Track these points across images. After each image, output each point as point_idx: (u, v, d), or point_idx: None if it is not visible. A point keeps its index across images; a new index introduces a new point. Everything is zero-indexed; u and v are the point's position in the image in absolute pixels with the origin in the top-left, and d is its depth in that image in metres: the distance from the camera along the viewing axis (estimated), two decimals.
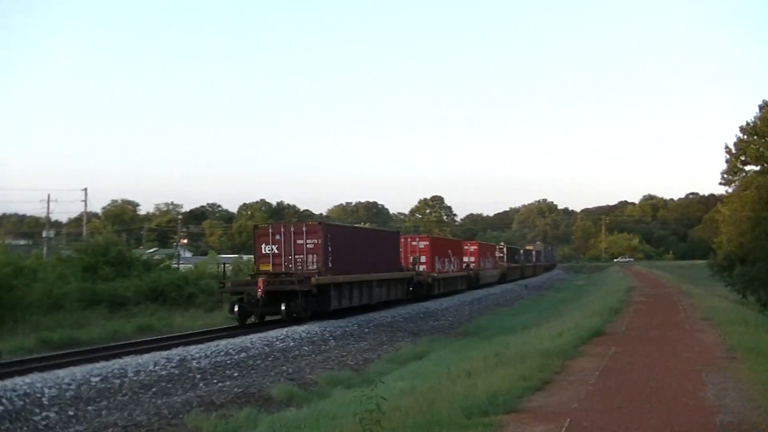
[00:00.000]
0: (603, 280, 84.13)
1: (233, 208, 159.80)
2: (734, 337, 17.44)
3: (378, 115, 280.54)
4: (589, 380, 12.54)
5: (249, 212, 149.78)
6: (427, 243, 48.37)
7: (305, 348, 25.89)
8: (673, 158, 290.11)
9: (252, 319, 30.28)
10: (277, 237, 30.91)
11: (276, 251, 30.78)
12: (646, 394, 11.28)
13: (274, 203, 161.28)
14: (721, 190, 73.46)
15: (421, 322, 37.12)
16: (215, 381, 19.82)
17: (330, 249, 31.09)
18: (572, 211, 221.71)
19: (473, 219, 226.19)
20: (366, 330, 31.28)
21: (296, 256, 30.47)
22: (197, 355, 21.43)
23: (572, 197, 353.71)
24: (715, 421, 9.11)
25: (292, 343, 25.95)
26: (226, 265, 55.28)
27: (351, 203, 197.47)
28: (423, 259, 46.81)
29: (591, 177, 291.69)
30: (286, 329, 27.85)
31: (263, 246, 31.21)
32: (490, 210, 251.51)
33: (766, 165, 63.66)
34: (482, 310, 46.23)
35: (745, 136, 65.24)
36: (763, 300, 48.07)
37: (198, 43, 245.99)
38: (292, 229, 31.15)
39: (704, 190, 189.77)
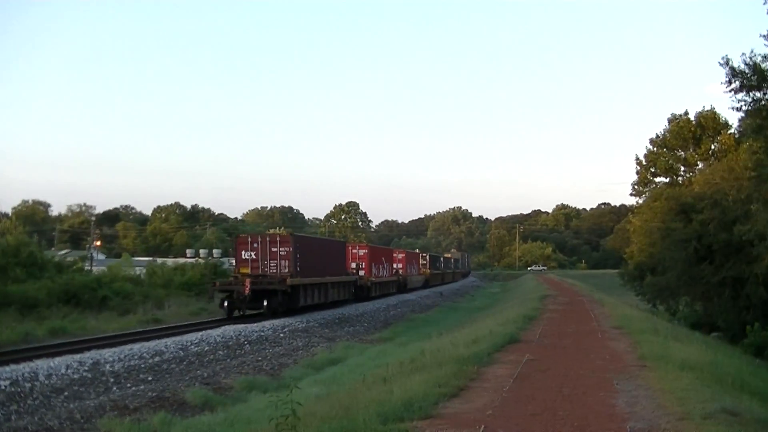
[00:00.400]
0: (517, 288, 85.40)
1: (147, 211, 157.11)
2: (645, 346, 17.86)
3: (293, 119, 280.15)
4: (503, 387, 12.66)
5: (163, 215, 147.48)
6: (366, 251, 55.16)
7: (220, 352, 25.68)
8: (585, 169, 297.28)
9: (238, 313, 35.78)
10: (255, 245, 36.85)
11: (254, 257, 36.60)
12: (559, 401, 11.45)
13: (188, 206, 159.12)
14: (632, 201, 75.52)
15: (337, 327, 37.17)
16: (129, 385, 19.48)
17: (298, 256, 37.21)
18: (487, 219, 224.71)
19: (388, 225, 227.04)
20: (281, 335, 31.20)
21: (270, 262, 36.56)
22: (111, 359, 21.07)
23: (487, 205, 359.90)
24: (626, 428, 9.28)
25: (207, 348, 25.72)
26: (139, 268, 54.60)
27: (267, 208, 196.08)
28: (363, 265, 53.41)
29: (506, 186, 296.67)
30: (201, 333, 28.24)
31: (243, 252, 37.14)
32: (405, 217, 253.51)
33: (675, 177, 65.71)
34: (398, 316, 46.50)
35: (655, 149, 67.25)
36: (672, 309, 49.52)
37: (111, 41, 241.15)
38: (267, 239, 37.55)
39: (616, 201, 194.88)
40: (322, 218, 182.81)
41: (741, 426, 9.09)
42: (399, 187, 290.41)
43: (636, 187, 69.56)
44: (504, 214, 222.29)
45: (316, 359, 26.36)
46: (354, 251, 54.09)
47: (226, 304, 35.50)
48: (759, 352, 31.58)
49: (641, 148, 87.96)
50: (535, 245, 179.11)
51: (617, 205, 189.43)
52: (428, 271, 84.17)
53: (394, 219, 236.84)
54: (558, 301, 42.89)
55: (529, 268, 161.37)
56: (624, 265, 65.64)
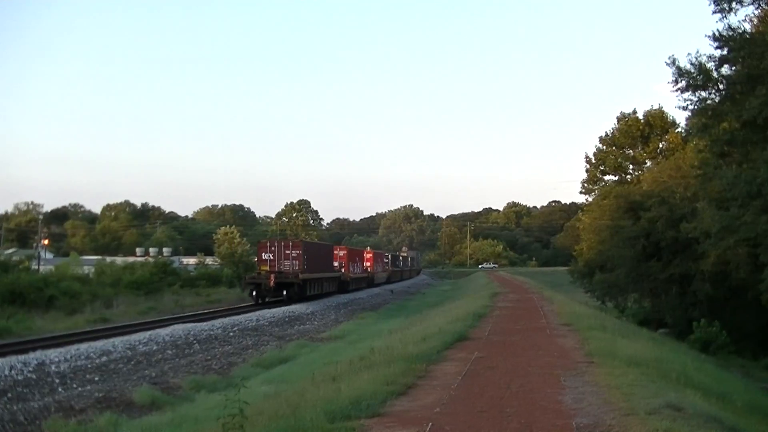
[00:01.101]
0: (468, 285, 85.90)
1: (97, 209, 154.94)
2: (593, 342, 18.06)
3: (244, 117, 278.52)
4: (452, 385, 12.72)
5: (113, 213, 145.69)
6: (345, 252, 68.27)
7: (169, 351, 25.55)
8: (536, 167, 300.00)
9: (262, 300, 46.72)
10: (272, 248, 48.98)
11: (272, 257, 48.28)
12: (507, 398, 11.53)
13: (138, 204, 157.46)
14: (582, 199, 76.37)
15: (288, 326, 37.23)
16: (75, 386, 19.29)
17: (305, 257, 49.12)
18: (438, 217, 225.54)
19: (340, 224, 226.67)
20: (231, 334, 31.13)
21: (285, 261, 48.23)
22: (56, 359, 20.83)
23: (438, 203, 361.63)
24: (572, 425, 9.38)
25: (155, 347, 25.57)
26: (88, 267, 53.87)
27: (218, 206, 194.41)
28: (343, 264, 65.34)
29: (457, 184, 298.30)
30: (150, 332, 28.23)
31: (263, 254, 49.17)
32: (356, 215, 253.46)
33: (624, 175, 66.57)
34: (348, 314, 46.51)
35: (604, 147, 68.09)
36: (621, 306, 50.12)
37: (58, 32, 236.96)
38: (282, 243, 50.47)
39: (566, 199, 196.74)
40: (273, 216, 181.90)
41: (684, 420, 9.23)
42: (350, 186, 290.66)
43: (586, 185, 70.42)
44: (455, 212, 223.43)
45: (265, 358, 26.43)
46: (335, 252, 65.14)
47: (254, 293, 47.28)
48: (705, 347, 32.20)
49: (591, 146, 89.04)
50: (486, 243, 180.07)
51: (567, 203, 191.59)
52: (390, 269, 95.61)
53: (346, 217, 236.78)
54: (508, 299, 43.21)
55: (480, 266, 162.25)
56: (574, 262, 66.27)
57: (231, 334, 31.39)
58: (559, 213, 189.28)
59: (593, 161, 68.78)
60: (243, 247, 78.52)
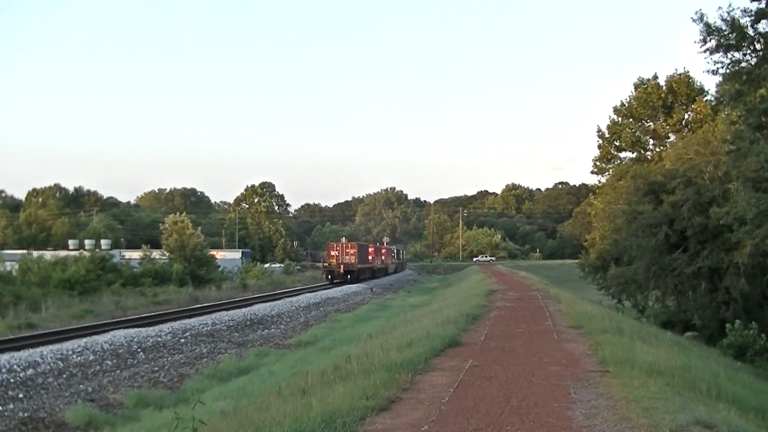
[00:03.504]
0: (460, 281, 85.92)
1: (21, 195, 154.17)
2: (607, 348, 18.02)
3: (197, 89, 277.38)
4: (442, 398, 12.64)
5: (40, 199, 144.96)
6: (373, 248, 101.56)
7: (108, 362, 25.39)
8: (539, 143, 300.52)
9: (333, 282, 79.86)
10: (337, 247, 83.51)
11: (337, 254, 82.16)
12: (506, 414, 11.46)
13: (71, 189, 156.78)
14: (594, 180, 76.61)
15: (249, 331, 37.19)
16: None
17: (359, 252, 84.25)
18: (425, 202, 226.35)
19: (310, 210, 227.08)
20: (182, 341, 31.02)
21: (344, 257, 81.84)
22: None
23: (425, 186, 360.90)
24: None
25: (92, 357, 25.37)
26: (10, 263, 53.55)
27: (165, 190, 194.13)
28: (372, 256, 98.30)
29: (446, 163, 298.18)
30: (85, 339, 27.98)
31: (332, 251, 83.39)
32: (329, 200, 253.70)
33: (642, 151, 66.71)
34: (320, 317, 46.44)
35: (619, 119, 68.14)
36: (640, 305, 50.10)
37: None
38: (342, 243, 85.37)
39: (575, 180, 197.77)
40: (231, 202, 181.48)
41: None
42: (322, 167, 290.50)
43: (598, 163, 70.60)
44: (445, 196, 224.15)
45: (222, 368, 26.34)
46: (369, 249, 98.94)
47: (329, 276, 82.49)
48: (740, 353, 32.05)
49: (604, 118, 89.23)
50: (481, 232, 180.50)
51: (576, 184, 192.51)
52: (395, 260, 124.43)
53: (317, 203, 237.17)
54: (507, 297, 43.20)
55: (474, 259, 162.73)
56: (584, 254, 66.31)
57: (182, 340, 31.26)
58: (567, 197, 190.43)
59: (606, 136, 68.97)
60: (196, 239, 78.08)
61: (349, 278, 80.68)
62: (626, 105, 67.57)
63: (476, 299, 39.52)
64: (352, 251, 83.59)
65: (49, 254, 68.56)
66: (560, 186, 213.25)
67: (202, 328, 34.77)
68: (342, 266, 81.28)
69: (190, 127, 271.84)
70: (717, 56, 30.43)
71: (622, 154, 68.67)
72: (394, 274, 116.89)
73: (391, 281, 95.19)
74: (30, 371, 22.17)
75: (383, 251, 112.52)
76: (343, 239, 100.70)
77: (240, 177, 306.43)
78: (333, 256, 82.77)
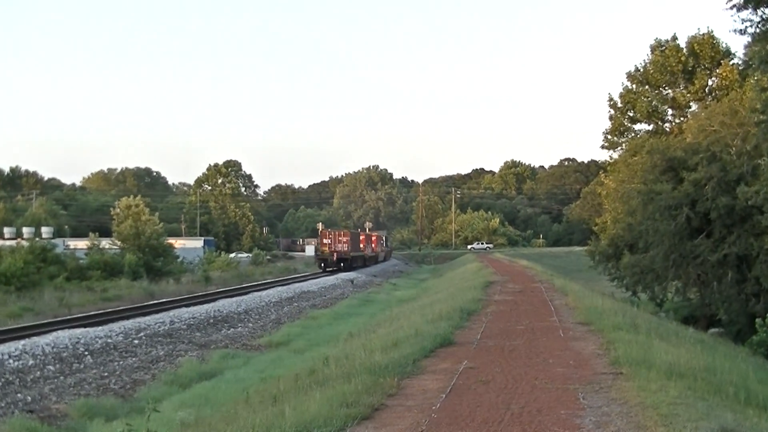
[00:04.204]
0: (453, 272, 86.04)
1: None
2: (620, 347, 18.05)
3: (152, 54, 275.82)
4: (432, 405, 12.65)
5: None
6: (363, 236, 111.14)
7: (51, 367, 25.30)
8: (542, 115, 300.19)
9: (325, 270, 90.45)
10: (330, 236, 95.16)
11: (330, 242, 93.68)
12: (506, 422, 11.47)
13: (6, 169, 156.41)
14: (605, 156, 76.85)
15: (212, 330, 37.22)
16: None
17: (351, 240, 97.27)
18: (412, 181, 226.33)
19: (281, 192, 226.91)
20: (136, 342, 30.99)
21: (337, 245, 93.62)
22: None
23: (412, 164, 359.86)
24: None
25: (32, 362, 25.29)
26: None
27: (115, 170, 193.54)
28: (363, 245, 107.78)
29: (436, 137, 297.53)
30: (24, 342, 27.86)
31: (324, 239, 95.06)
32: (303, 180, 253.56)
33: (660, 123, 66.76)
34: (294, 313, 46.49)
35: (634, 86, 68.14)
36: (658, 298, 50.12)
37: None
38: (336, 233, 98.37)
39: (583, 156, 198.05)
40: (191, 183, 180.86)
41: None
42: (295, 144, 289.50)
43: (609, 137, 70.64)
44: (435, 175, 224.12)
45: (182, 373, 26.37)
46: (361, 237, 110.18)
47: (322, 264, 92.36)
48: None
49: (616, 86, 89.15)
50: (476, 216, 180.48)
51: (585, 161, 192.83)
52: (386, 249, 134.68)
53: (289, 183, 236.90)
54: (507, 290, 43.28)
55: (469, 247, 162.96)
56: (594, 240, 66.43)
57: (136, 341, 31.24)
58: (574, 175, 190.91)
59: (619, 105, 69.02)
60: (153, 226, 77.73)
61: (342, 266, 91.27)
62: (641, 70, 67.60)
63: (472, 292, 39.57)
64: (344, 239, 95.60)
65: None
66: (566, 163, 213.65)
67: (159, 327, 34.73)
68: (335, 254, 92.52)
69: (143, 98, 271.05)
70: (745, 13, 30.41)
71: (637, 126, 68.85)
72: (383, 263, 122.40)
73: (375, 272, 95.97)
74: None
75: (373, 238, 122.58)
76: (326, 228, 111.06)
77: (201, 155, 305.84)
78: (326, 244, 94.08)
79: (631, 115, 68.15)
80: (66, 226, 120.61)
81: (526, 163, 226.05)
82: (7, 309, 42.33)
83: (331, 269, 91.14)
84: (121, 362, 27.81)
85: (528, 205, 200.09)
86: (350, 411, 11.97)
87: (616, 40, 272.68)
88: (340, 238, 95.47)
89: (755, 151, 38.86)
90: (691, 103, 65.20)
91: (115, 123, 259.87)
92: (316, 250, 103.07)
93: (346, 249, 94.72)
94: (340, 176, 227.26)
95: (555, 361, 17.12)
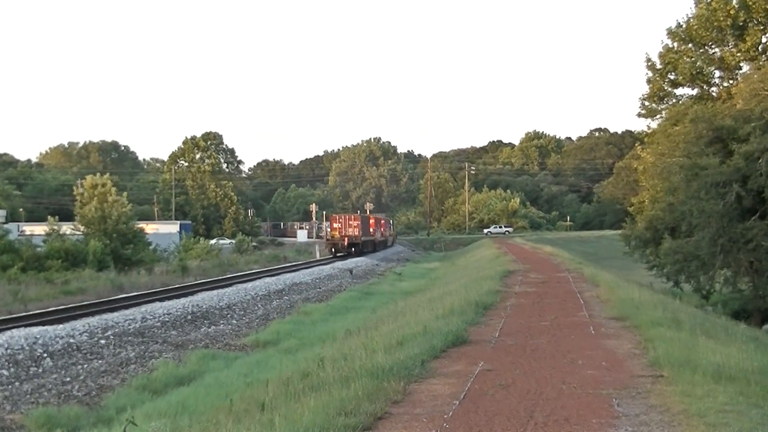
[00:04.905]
0: (467, 260, 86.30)
1: None
2: (660, 346, 18.03)
3: (123, 12, 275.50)
4: (444, 413, 12.63)
5: None
6: (359, 222, 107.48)
7: (4, 372, 25.41)
8: (569, 80, 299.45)
9: (337, 255, 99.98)
10: (340, 219, 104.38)
11: (340, 226, 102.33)
12: None
13: None
14: (642, 126, 76.66)
15: (190, 327, 37.34)
16: None
17: (362, 225, 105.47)
18: (419, 156, 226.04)
19: (269, 169, 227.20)
20: (103, 342, 31.02)
21: (348, 229, 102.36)
22: None
23: (419, 136, 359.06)
24: None
25: None
26: None
27: (77, 144, 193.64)
28: (372, 229, 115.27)
29: (447, 106, 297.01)
30: None
31: (334, 223, 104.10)
32: (294, 155, 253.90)
33: (705, 87, 66.53)
34: (284, 308, 46.61)
35: (676, 44, 67.84)
36: (703, 289, 49.85)
37: None
38: (346, 216, 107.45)
39: (616, 126, 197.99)
40: (165, 159, 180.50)
41: None
42: (284, 113, 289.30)
43: (646, 103, 70.42)
44: (446, 149, 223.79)
45: (156, 377, 26.41)
46: (371, 221, 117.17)
47: (333, 249, 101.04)
48: None
49: (655, 44, 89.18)
50: (493, 195, 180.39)
51: (618, 131, 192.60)
52: (393, 233, 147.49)
53: (278, 159, 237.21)
54: (529, 280, 43.33)
55: (485, 231, 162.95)
56: (629, 223, 66.42)
57: (103, 341, 31.28)
58: (606, 147, 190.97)
59: (658, 67, 68.75)
60: (121, 208, 77.49)
61: (353, 251, 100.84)
62: (684, 26, 67.31)
63: (488, 283, 39.63)
64: (355, 223, 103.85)
65: None
66: (597, 134, 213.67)
67: (129, 325, 34.79)
68: (346, 239, 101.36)
69: (108, 62, 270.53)
70: None
71: (679, 91, 68.55)
72: (389, 249, 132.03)
73: (378, 259, 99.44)
74: None
75: (382, 222, 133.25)
76: (336, 213, 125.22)
77: (177, 127, 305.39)
78: (336, 228, 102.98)
79: (672, 78, 67.84)
80: (21, 209, 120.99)
81: (551, 134, 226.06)
82: None
83: (342, 254, 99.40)
84: (85, 365, 27.82)
85: (553, 183, 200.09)
86: (349, 420, 11.96)
87: None
88: (350, 222, 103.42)
89: None
90: (741, 64, 64.86)
91: (76, 89, 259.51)
92: (326, 234, 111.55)
93: (357, 233, 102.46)
94: (336, 150, 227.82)
95: (585, 362, 17.11)
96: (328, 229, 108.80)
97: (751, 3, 63.38)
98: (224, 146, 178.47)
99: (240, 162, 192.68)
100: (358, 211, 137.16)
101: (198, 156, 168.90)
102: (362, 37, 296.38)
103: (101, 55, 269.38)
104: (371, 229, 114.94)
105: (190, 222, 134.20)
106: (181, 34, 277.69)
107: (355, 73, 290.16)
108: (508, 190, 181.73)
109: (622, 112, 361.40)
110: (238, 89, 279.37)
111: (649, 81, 69.46)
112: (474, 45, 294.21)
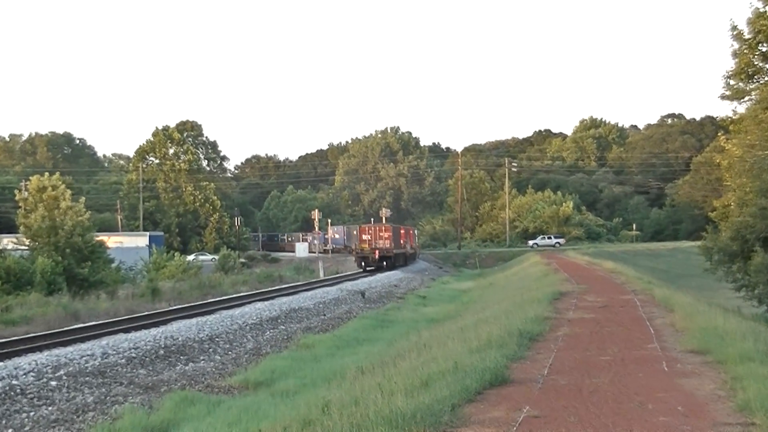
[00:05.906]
0: (507, 278, 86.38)
1: None
2: (751, 386, 17.97)
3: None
4: None
5: None
6: (390, 233, 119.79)
7: None
8: (632, 55, 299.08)
9: (367, 269, 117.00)
10: (370, 231, 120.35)
11: (369, 238, 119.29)
12: None
13: None
14: (726, 110, 76.46)
15: (163, 365, 37.37)
16: None
17: (393, 236, 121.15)
18: (448, 150, 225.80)
19: (260, 167, 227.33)
20: (54, 384, 31.02)
21: (378, 241, 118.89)
22: None
23: (446, 126, 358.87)
24: None
25: None
26: None
27: (20, 136, 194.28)
28: (402, 241, 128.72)
29: (481, 88, 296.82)
30: None
31: (363, 235, 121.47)
32: (291, 150, 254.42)
33: None
34: (280, 340, 46.70)
35: None
36: None
37: None
38: (376, 227, 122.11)
39: (692, 112, 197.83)
40: (131, 155, 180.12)
41: None
42: (279, 98, 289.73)
43: (732, 82, 70.19)
44: (480, 141, 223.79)
45: (120, 427, 26.35)
46: (401, 231, 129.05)
47: (363, 264, 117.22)
48: None
49: (743, 8, 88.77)
50: (540, 198, 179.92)
51: (696, 118, 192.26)
52: (417, 245, 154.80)
53: (271, 154, 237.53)
54: (586, 304, 43.33)
55: (531, 242, 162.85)
56: (712, 232, 66.28)
57: (53, 383, 31.25)
58: (681, 138, 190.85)
59: (747, 36, 68.56)
60: (76, 217, 77.35)
61: (385, 265, 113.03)
62: None
63: (535, 308, 39.64)
64: (386, 235, 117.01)
65: None
66: (669, 121, 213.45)
67: (87, 362, 34.70)
68: (377, 252, 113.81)
69: (58, 38, 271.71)
70: None
71: None
72: (410, 265, 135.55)
73: (395, 281, 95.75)
74: None
75: (411, 233, 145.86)
76: (365, 223, 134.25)
77: (145, 117, 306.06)
78: (365, 240, 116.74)
79: (765, 50, 67.71)
80: None
81: (611, 122, 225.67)
82: None
83: (372, 268, 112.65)
84: (31, 413, 27.84)
85: (615, 182, 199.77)
86: None
87: None
88: (381, 234, 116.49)
89: None
90: None
91: (20, 71, 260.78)
92: (355, 248, 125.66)
93: (388, 246, 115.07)
94: (343, 143, 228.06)
95: (656, 407, 17.08)
96: (357, 242, 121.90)
97: None
98: (204, 138, 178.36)
99: (224, 158, 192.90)
100: (372, 219, 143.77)
101: (172, 151, 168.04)
102: (373, 4, 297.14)
103: (49, 30, 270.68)
104: (402, 240, 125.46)
105: (162, 233, 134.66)
106: (149, 7, 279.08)
107: (365, 48, 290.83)
108: (559, 192, 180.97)
109: (701, 93, 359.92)
110: (220, 70, 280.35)
111: (735, 54, 69.20)
112: (511, 13, 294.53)
